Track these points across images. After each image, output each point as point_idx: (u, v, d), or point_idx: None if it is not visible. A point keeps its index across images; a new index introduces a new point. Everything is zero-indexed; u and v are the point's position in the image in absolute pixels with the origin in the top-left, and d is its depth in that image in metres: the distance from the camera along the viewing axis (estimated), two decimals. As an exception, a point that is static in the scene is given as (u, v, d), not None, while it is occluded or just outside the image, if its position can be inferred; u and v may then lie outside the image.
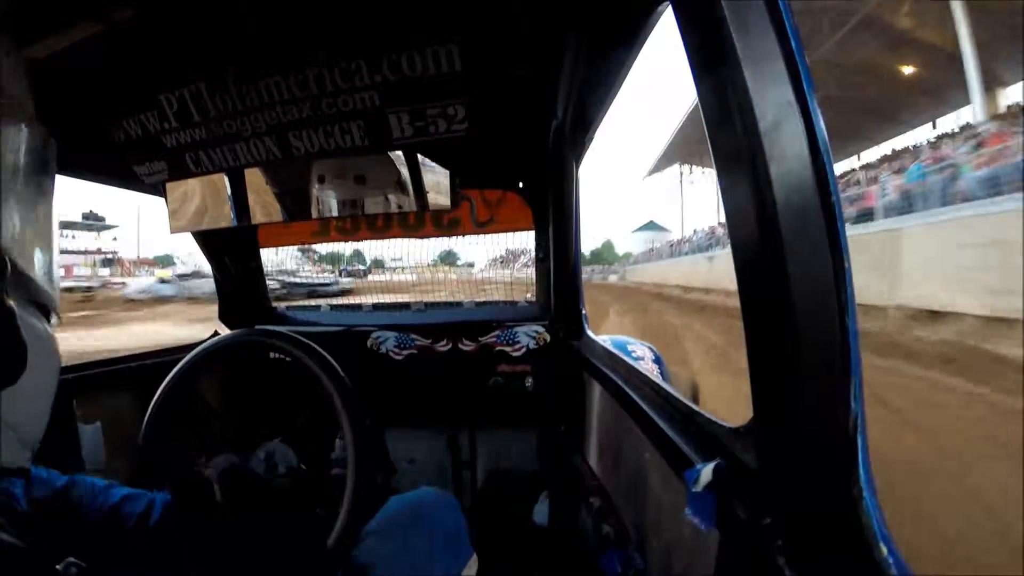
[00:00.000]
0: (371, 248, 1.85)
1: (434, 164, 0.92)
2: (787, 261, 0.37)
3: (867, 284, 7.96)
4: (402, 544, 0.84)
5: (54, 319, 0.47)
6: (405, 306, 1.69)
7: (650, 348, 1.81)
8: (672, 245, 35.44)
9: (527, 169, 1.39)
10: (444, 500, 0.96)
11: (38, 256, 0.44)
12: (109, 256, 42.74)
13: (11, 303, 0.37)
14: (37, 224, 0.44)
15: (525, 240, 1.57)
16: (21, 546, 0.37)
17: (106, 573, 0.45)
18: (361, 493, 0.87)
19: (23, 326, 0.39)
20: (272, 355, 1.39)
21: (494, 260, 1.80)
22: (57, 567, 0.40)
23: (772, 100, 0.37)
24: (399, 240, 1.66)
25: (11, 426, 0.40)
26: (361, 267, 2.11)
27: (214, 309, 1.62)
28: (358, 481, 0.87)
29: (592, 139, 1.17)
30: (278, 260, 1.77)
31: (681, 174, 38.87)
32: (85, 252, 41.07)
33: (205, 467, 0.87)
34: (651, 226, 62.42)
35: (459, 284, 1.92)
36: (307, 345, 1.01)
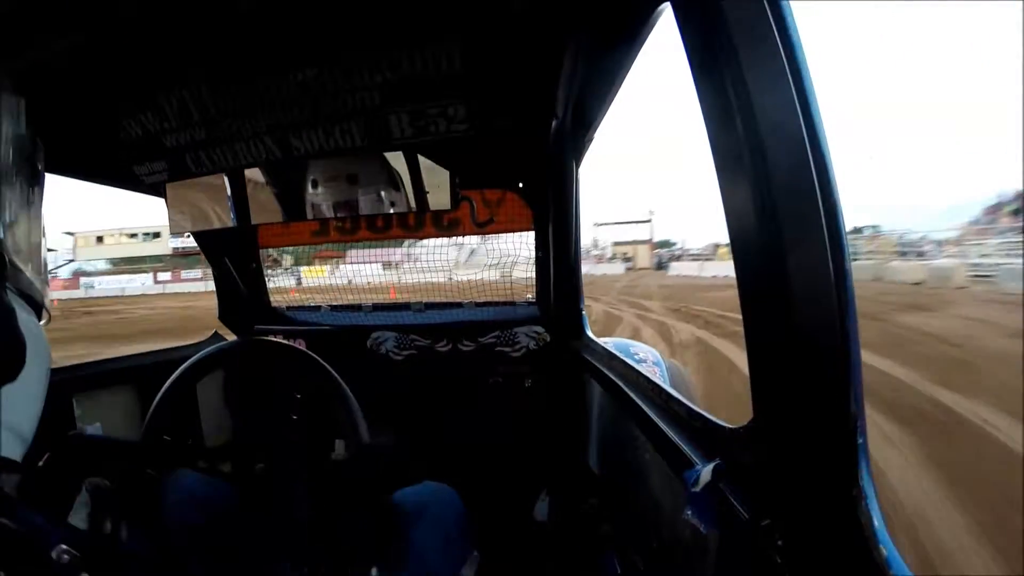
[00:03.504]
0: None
1: (434, 164, 0.92)
2: (787, 261, 0.37)
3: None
4: (406, 539, 0.84)
5: (44, 314, 0.47)
6: (405, 306, 1.68)
7: (653, 352, 1.81)
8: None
9: (527, 169, 1.39)
10: (447, 495, 0.95)
11: (29, 252, 0.44)
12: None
13: (10, 302, 0.37)
14: (28, 221, 0.45)
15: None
16: (15, 528, 0.37)
17: (100, 560, 0.45)
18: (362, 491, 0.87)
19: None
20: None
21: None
22: (51, 554, 0.40)
23: (772, 100, 0.37)
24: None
25: (5, 420, 0.40)
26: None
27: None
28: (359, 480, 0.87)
29: (592, 139, 1.17)
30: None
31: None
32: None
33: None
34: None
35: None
36: (305, 356, 1.02)
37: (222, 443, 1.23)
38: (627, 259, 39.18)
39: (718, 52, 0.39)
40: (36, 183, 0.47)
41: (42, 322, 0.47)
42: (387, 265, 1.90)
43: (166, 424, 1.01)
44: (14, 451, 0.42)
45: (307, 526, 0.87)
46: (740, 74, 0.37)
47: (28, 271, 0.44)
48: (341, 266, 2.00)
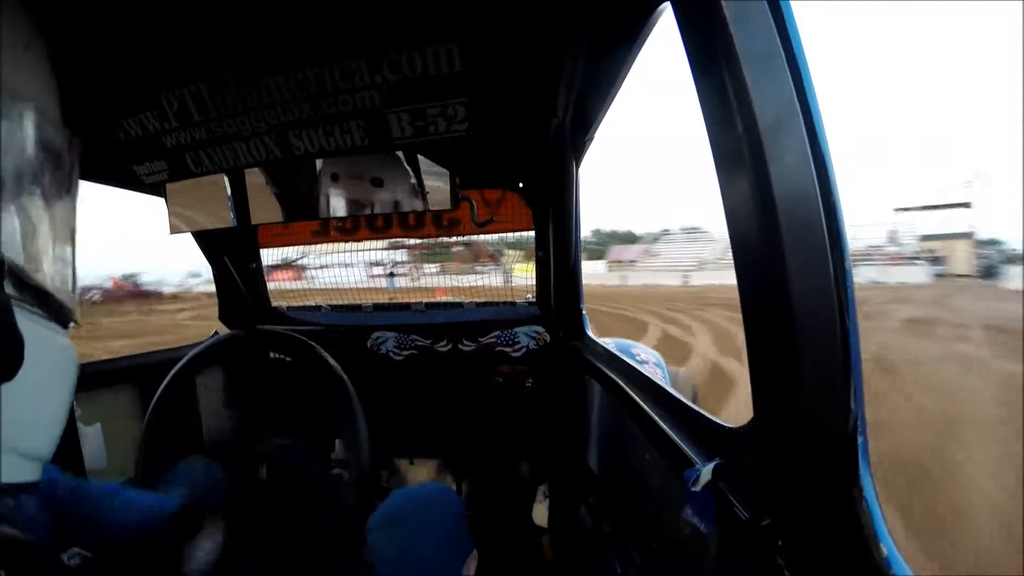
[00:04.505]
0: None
1: (434, 164, 0.92)
2: (787, 261, 0.37)
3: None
4: (406, 539, 0.84)
5: (72, 328, 0.44)
6: (405, 307, 1.68)
7: (654, 354, 1.81)
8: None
9: (527, 169, 1.39)
10: (447, 494, 0.96)
11: (53, 262, 0.41)
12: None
13: (6, 297, 0.36)
14: (53, 229, 0.41)
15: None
16: (24, 538, 0.36)
17: (112, 562, 0.44)
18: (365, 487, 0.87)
19: (30, 335, 0.37)
20: (272, 355, 1.40)
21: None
22: (63, 556, 0.39)
23: (772, 100, 0.37)
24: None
25: (17, 440, 0.38)
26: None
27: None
28: (362, 476, 0.87)
29: (592, 139, 1.17)
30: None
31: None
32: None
33: (257, 445, 0.89)
34: None
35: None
36: (304, 344, 1.01)
37: (223, 443, 1.23)
38: (935, 260, 26.33)
39: (718, 52, 0.39)
40: (65, 188, 0.44)
41: (68, 328, 0.44)
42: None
43: (168, 420, 1.01)
44: (28, 473, 0.40)
45: (308, 527, 0.87)
46: (740, 74, 0.37)
47: (50, 282, 0.40)
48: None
